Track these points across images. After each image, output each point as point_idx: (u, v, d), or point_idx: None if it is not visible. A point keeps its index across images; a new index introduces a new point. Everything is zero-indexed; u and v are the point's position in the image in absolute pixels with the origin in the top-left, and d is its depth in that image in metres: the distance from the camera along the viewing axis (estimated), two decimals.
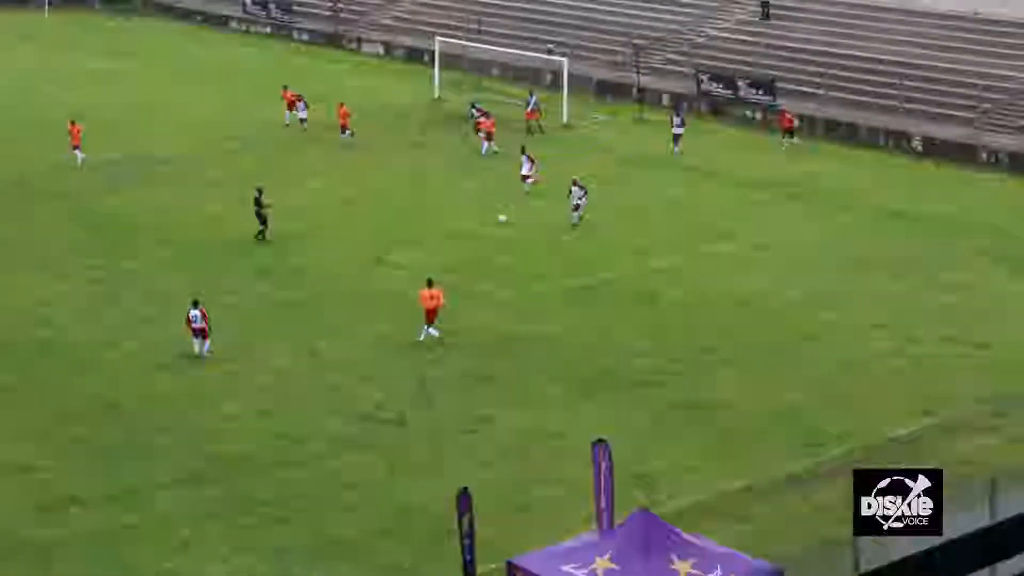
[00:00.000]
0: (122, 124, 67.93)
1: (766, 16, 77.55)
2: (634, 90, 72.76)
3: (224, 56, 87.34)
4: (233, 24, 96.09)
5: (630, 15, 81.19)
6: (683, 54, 77.00)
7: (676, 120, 63.97)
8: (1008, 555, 26.22)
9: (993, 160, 62.43)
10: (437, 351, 40.76)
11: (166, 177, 59.34)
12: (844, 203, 56.16)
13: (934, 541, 24.96)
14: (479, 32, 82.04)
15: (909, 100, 67.28)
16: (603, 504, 25.76)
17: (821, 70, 70.95)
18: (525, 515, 31.48)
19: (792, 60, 73.17)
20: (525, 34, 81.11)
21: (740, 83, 71.16)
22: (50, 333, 42.45)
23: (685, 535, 24.77)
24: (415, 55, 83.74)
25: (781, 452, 34.78)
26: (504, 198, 55.48)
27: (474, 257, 49.32)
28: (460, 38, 79.73)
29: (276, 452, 34.78)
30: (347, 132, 64.81)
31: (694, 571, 23.86)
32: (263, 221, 50.64)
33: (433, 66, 76.34)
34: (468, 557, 25.38)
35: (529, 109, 67.81)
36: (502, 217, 52.44)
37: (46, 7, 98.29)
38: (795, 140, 65.00)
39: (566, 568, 24.25)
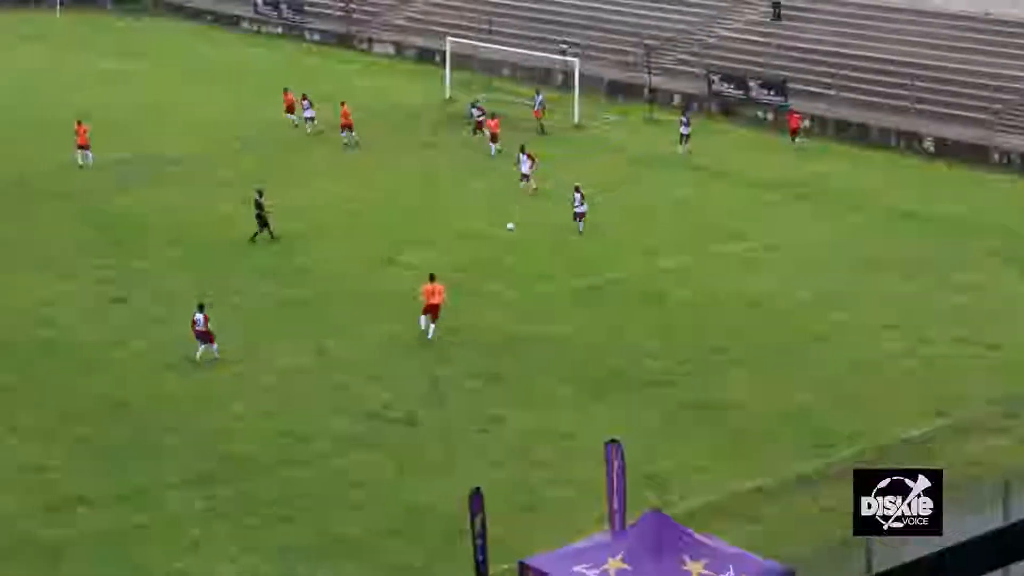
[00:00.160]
0: (132, 124, 67.90)
1: (777, 16, 77.38)
2: (645, 90, 72.65)
3: (235, 56, 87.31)
4: (244, 24, 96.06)
5: (641, 15, 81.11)
6: (694, 54, 76.89)
7: (683, 120, 63.95)
8: (1021, 557, 26.03)
9: (1005, 161, 62.26)
10: (449, 351, 40.68)
11: (176, 177, 59.31)
12: (855, 204, 56.03)
13: (941, 543, 24.82)
14: (490, 32, 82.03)
15: (920, 101, 67.12)
16: (615, 505, 25.62)
17: (832, 71, 70.80)
18: (535, 515, 31.40)
19: (803, 60, 73.03)
20: (536, 35, 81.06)
21: (751, 83, 71.04)
22: (55, 333, 42.34)
23: (697, 535, 24.71)
24: (426, 55, 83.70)
25: (791, 453, 34.65)
26: (514, 199, 55.46)
27: (483, 257, 49.23)
28: (471, 39, 79.71)
29: (282, 451, 34.68)
30: (347, 132, 64.66)
31: (706, 571, 23.78)
32: (263, 223, 50.48)
33: (444, 66, 76.35)
34: (480, 557, 25.31)
35: (536, 108, 67.78)
36: (511, 225, 52.00)
37: (58, 7, 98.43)
38: (804, 140, 64.87)
39: (578, 568, 24.16)
